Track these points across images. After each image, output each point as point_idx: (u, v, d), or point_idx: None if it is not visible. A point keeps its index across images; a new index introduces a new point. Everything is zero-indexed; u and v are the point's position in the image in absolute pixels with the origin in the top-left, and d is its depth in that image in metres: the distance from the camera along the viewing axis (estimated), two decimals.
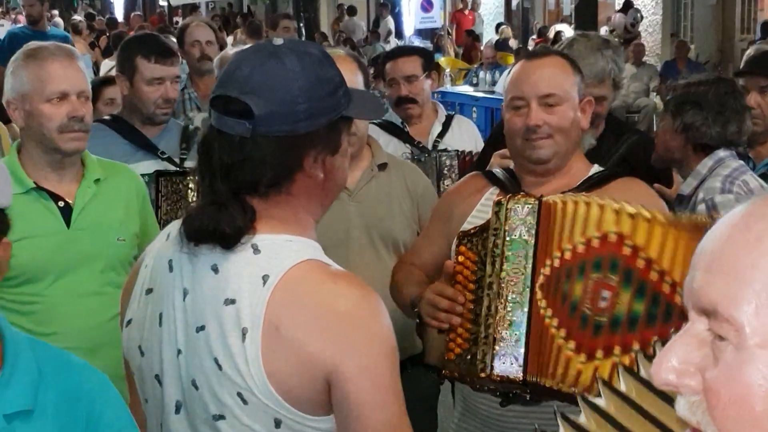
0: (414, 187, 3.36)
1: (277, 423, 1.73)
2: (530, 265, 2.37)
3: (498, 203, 2.45)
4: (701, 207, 3.24)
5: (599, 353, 2.25)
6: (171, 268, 1.87)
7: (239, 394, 1.73)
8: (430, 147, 4.50)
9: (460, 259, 2.52)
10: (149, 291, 1.91)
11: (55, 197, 2.97)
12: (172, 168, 3.85)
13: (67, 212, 2.97)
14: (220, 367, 1.75)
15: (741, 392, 0.88)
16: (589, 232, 2.32)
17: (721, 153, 3.38)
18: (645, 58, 15.47)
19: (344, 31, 16.96)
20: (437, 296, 2.48)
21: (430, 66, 4.64)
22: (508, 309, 2.35)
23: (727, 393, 0.89)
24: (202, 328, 1.78)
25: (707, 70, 15.50)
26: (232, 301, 1.74)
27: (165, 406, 1.88)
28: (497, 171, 2.82)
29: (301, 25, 19.09)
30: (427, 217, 3.26)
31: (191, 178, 3.65)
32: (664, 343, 1.31)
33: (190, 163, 3.89)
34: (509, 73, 2.76)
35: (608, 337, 2.26)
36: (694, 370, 0.93)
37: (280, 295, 1.72)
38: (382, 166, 3.31)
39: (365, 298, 1.75)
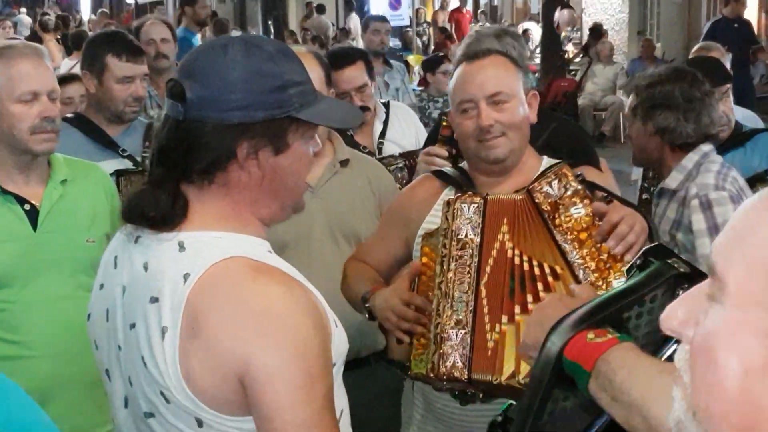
0: (377, 184, 3.36)
1: (199, 423, 1.71)
2: (476, 264, 2.42)
3: (447, 203, 2.51)
4: (695, 202, 3.25)
5: (494, 334, 2.39)
6: (116, 264, 1.89)
7: (162, 393, 1.73)
8: (375, 149, 4.50)
9: (424, 260, 2.56)
10: (102, 286, 1.94)
11: (21, 200, 2.92)
12: (133, 167, 3.85)
13: (33, 215, 2.92)
14: (145, 365, 1.75)
15: (710, 345, 0.93)
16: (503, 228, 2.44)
17: (705, 147, 3.37)
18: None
19: (311, 29, 16.94)
20: (404, 307, 2.50)
21: (371, 66, 4.58)
22: (455, 308, 2.40)
23: (699, 344, 0.95)
24: (134, 325, 1.79)
25: None
26: (156, 300, 1.74)
27: (115, 400, 1.91)
28: (449, 171, 2.84)
29: (270, 23, 19.05)
30: None
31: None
32: None
33: None
34: (452, 77, 2.79)
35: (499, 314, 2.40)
36: (694, 322, 0.98)
37: (198, 293, 1.69)
38: (344, 162, 3.30)
39: (285, 294, 1.69)
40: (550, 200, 2.39)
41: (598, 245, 2.33)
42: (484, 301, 2.40)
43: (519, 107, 2.67)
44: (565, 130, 3.61)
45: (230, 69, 1.76)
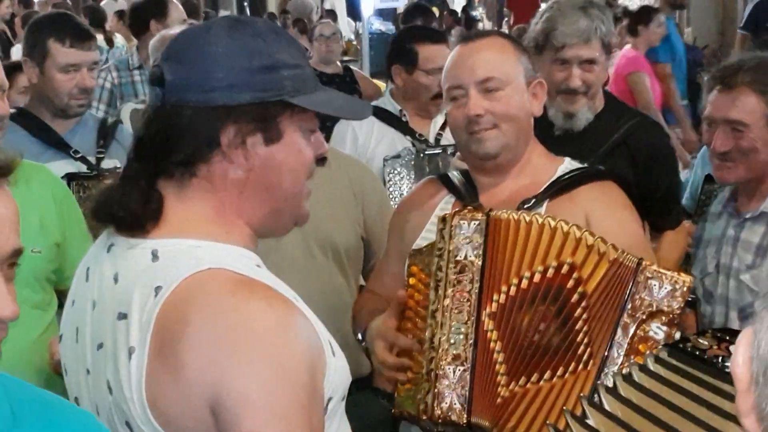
0: (359, 185, 3.34)
1: None
2: (477, 291, 2.36)
3: (443, 219, 2.46)
4: None
5: (514, 385, 2.31)
6: (87, 277, 1.87)
7: (127, 423, 1.69)
8: (432, 139, 4.50)
9: (411, 281, 2.52)
10: (73, 303, 1.92)
11: None
12: (87, 170, 3.82)
13: None
14: (111, 391, 1.72)
15: None
16: (548, 260, 2.34)
17: None
18: None
19: (291, 11, 16.89)
20: (386, 353, 2.47)
21: None
22: (452, 341, 2.34)
23: None
24: (101, 345, 1.76)
25: (706, 56, 15.63)
26: (124, 316, 1.71)
27: None
28: (453, 174, 2.82)
29: (245, 4, 19.01)
30: (373, 220, 3.30)
31: (107, 182, 3.61)
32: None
33: (108, 163, 3.87)
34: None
35: (526, 368, 2.32)
36: None
37: (168, 310, 1.66)
38: (322, 161, 3.25)
39: (266, 311, 1.64)
40: (650, 300, 2.28)
41: None
42: (492, 335, 2.34)
43: (515, 96, 2.63)
44: (648, 129, 3.59)
45: (211, 45, 1.77)
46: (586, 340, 2.30)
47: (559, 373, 2.29)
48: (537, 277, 2.34)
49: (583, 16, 3.36)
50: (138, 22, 6.31)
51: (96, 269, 1.85)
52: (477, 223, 2.41)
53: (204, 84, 1.74)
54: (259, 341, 1.62)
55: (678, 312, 2.28)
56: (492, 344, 2.33)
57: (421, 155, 4.21)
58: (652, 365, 1.77)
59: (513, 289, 2.35)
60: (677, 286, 2.28)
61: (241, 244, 1.79)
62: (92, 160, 3.88)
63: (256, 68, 1.76)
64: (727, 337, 1.81)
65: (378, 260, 3.03)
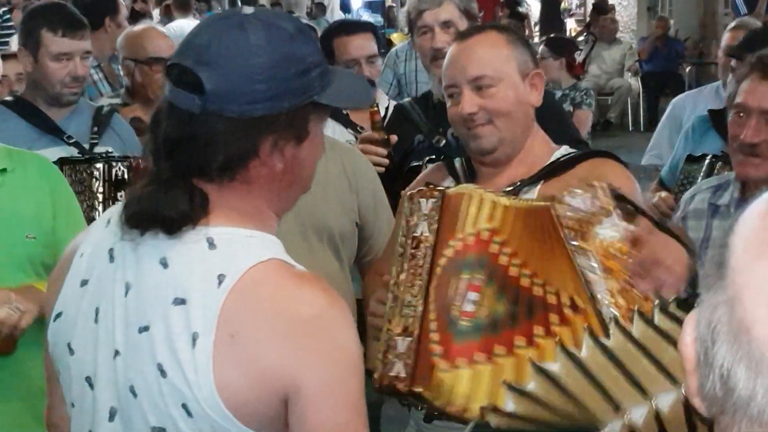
0: (352, 172, 3.34)
1: None
2: (428, 265, 2.38)
3: (410, 198, 2.46)
4: None
5: (459, 361, 2.28)
6: (112, 258, 1.85)
7: (184, 405, 1.71)
8: None
9: None
10: (84, 282, 1.89)
11: None
12: (79, 154, 3.84)
13: None
14: (164, 374, 1.73)
15: None
16: (469, 228, 2.34)
17: None
18: (619, 35, 15.61)
19: (283, 4, 16.91)
20: (375, 303, 2.53)
21: (380, 44, 4.70)
22: (404, 313, 2.37)
23: None
24: (146, 328, 1.76)
25: (687, 48, 15.72)
26: (182, 301, 1.73)
27: (96, 412, 1.86)
28: (457, 160, 2.84)
29: None
30: (367, 206, 3.31)
31: (97, 166, 3.71)
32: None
33: (101, 149, 3.90)
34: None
35: (470, 344, 2.29)
36: None
37: (236, 298, 1.70)
38: None
39: (331, 305, 1.74)
40: (578, 216, 2.25)
41: (629, 279, 2.20)
42: (431, 306, 2.34)
43: (508, 91, 2.63)
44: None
45: (255, 55, 1.75)
46: (550, 289, 2.26)
47: (538, 333, 2.25)
48: (459, 246, 2.34)
49: None
50: (89, 19, 6.16)
51: (125, 251, 1.83)
52: (434, 200, 2.41)
53: (247, 96, 1.74)
54: (329, 333, 1.72)
55: (609, 203, 2.23)
56: (430, 314, 2.34)
57: None
58: (657, 316, 1.62)
59: (444, 260, 2.35)
60: (596, 192, 2.25)
61: (272, 232, 1.86)
62: (86, 146, 3.90)
63: (293, 75, 1.77)
64: None
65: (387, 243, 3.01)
